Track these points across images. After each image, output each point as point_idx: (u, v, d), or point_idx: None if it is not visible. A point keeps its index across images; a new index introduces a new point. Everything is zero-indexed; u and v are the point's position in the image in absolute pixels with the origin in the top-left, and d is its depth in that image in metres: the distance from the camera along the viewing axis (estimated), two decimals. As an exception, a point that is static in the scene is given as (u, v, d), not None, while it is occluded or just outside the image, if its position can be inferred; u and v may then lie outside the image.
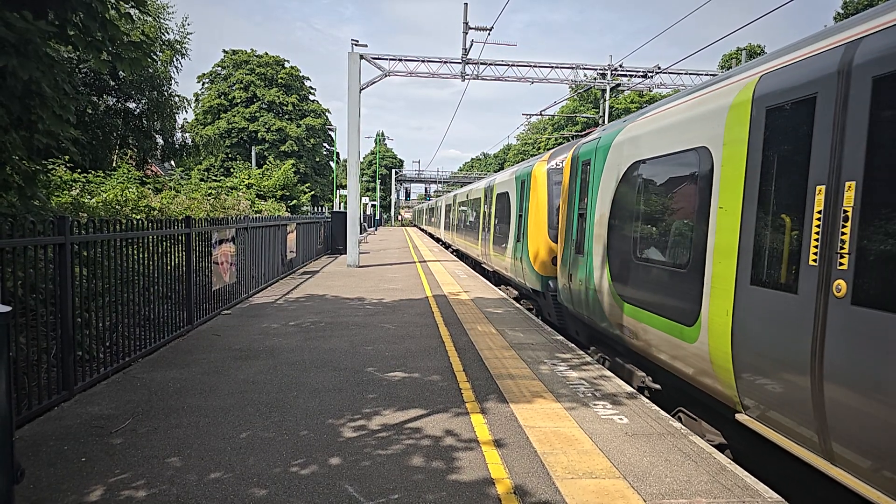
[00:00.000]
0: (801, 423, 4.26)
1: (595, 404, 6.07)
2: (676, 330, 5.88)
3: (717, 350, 5.20)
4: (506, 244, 15.39)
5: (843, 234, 3.88)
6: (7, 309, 2.99)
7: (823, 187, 4.10)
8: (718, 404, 5.51)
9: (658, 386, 6.91)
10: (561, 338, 9.32)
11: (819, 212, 4.11)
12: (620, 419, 5.64)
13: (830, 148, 4.06)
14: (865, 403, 3.66)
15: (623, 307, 7.24)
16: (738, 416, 5.12)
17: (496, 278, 18.13)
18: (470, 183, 43.02)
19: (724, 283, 5.13)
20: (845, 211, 3.87)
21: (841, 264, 3.89)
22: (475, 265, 22.92)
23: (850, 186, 3.85)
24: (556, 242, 11.31)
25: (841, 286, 3.86)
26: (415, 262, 22.71)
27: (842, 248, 3.88)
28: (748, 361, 4.81)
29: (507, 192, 15.88)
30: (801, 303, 4.20)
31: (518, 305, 12.51)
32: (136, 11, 6.67)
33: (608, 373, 7.32)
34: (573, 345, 8.87)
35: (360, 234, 26.83)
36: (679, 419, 6.36)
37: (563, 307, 10.43)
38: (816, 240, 4.11)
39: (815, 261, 4.11)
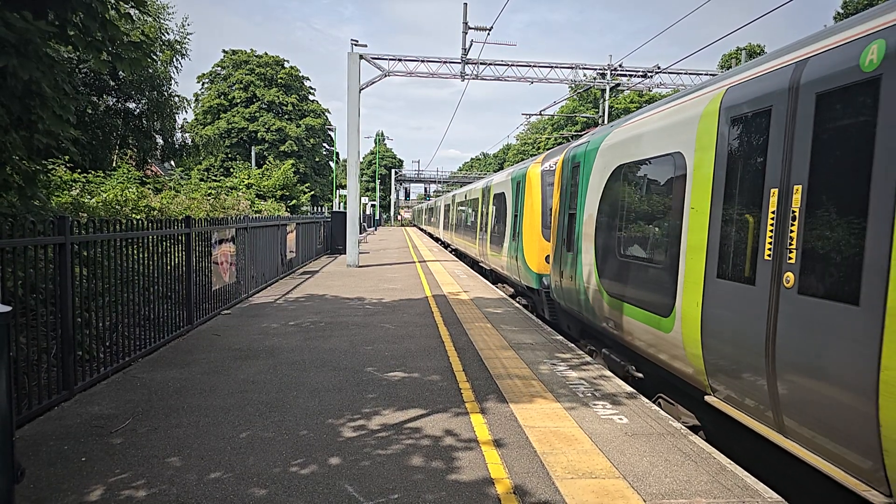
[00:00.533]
0: (759, 402, 4.77)
1: (595, 404, 6.08)
2: (654, 321, 6.38)
3: (689, 338, 5.67)
4: (502, 243, 15.88)
5: (792, 231, 4.40)
6: (7, 309, 3.00)
7: (776, 190, 4.62)
8: (691, 388, 5.98)
9: (641, 375, 7.30)
10: (560, 337, 9.33)
11: (773, 212, 4.63)
12: (620, 419, 5.64)
13: (782, 155, 4.58)
14: (809, 381, 4.17)
15: (609, 301, 7.72)
16: (707, 398, 5.61)
17: (493, 277, 18.56)
18: (469, 183, 43.28)
19: (694, 277, 5.65)
20: (793, 211, 4.40)
21: (790, 258, 4.40)
22: (473, 264, 23.33)
23: (797, 189, 4.40)
24: (549, 241, 11.67)
25: (790, 278, 4.37)
26: (414, 262, 22.72)
27: (790, 244, 4.40)
28: (715, 347, 5.31)
29: (504, 193, 16.40)
30: (758, 293, 4.71)
31: (518, 305, 12.52)
32: (136, 12, 6.67)
33: (608, 373, 7.33)
34: (573, 345, 8.88)
35: (360, 233, 26.83)
36: (659, 404, 6.78)
37: (556, 303, 10.82)
38: (770, 237, 4.62)
39: (769, 256, 4.61)
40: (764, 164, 4.79)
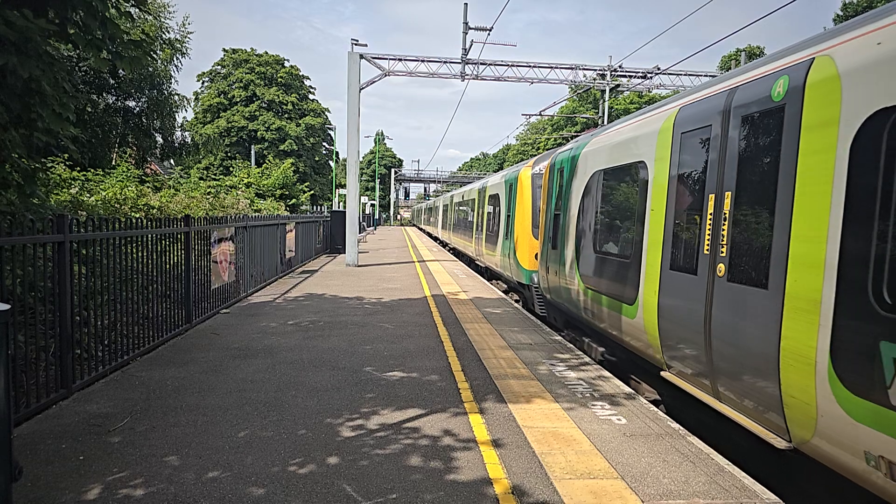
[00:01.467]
0: (700, 374, 5.65)
1: (593, 405, 6.08)
2: (623, 309, 7.25)
3: (649, 322, 6.55)
4: (496, 242, 16.81)
5: (723, 230, 5.30)
6: (6, 307, 2.99)
7: (713, 195, 5.51)
8: (651, 366, 6.86)
9: (614, 358, 8.16)
10: (559, 338, 9.33)
11: (710, 214, 5.53)
12: (619, 420, 5.65)
13: (718, 166, 5.49)
14: (734, 352, 5.05)
15: (587, 293, 8.63)
16: (662, 373, 6.50)
17: (489, 274, 19.34)
18: (469, 183, 43.76)
19: (653, 269, 6.54)
20: (725, 213, 5.30)
21: (722, 252, 5.31)
22: (470, 262, 23.97)
23: (727, 195, 5.30)
24: (538, 240, 12.29)
25: (721, 268, 5.29)
26: (414, 262, 22.72)
27: (722, 240, 5.31)
28: (668, 329, 6.21)
29: (498, 194, 17.32)
30: (699, 282, 5.63)
31: (516, 305, 12.53)
32: (137, 10, 6.67)
33: (606, 373, 7.34)
34: (571, 345, 8.89)
35: (359, 233, 26.82)
36: (628, 384, 7.52)
37: (544, 297, 11.70)
38: (709, 235, 5.54)
39: (707, 250, 5.54)
40: (705, 173, 5.72)
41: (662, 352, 6.36)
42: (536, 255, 12.52)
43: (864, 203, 3.79)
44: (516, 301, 14.64)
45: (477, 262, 21.68)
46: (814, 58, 4.49)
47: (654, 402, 6.71)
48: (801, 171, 4.40)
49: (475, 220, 21.96)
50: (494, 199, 17.90)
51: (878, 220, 3.65)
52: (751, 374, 4.81)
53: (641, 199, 6.98)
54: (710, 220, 5.52)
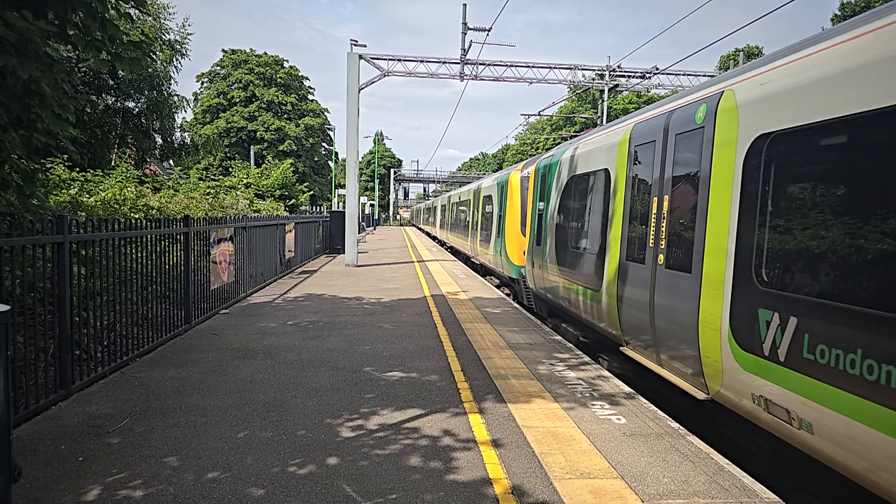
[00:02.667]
0: (648, 346, 6.77)
1: (593, 404, 6.08)
2: (591, 295, 8.36)
3: (611, 306, 7.67)
4: (489, 240, 18.15)
5: (662, 227, 6.47)
6: (6, 308, 2.99)
7: (656, 198, 6.66)
8: (614, 344, 7.83)
9: (587, 340, 9.14)
10: (559, 338, 9.34)
11: (654, 214, 6.67)
12: (618, 419, 5.65)
13: (660, 174, 6.66)
14: (669, 325, 6.16)
15: (564, 283, 9.78)
16: (621, 349, 7.52)
17: (483, 270, 20.63)
18: (468, 183, 44.44)
19: (614, 261, 7.66)
20: (663, 213, 6.45)
21: (661, 245, 6.45)
22: (466, 260, 25.07)
23: (665, 199, 6.46)
24: (526, 238, 13.40)
25: (661, 258, 6.44)
26: (413, 262, 22.72)
27: (662, 235, 6.45)
28: (625, 310, 7.29)
29: (491, 196, 18.58)
30: (645, 269, 6.77)
31: (516, 305, 12.54)
32: (136, 11, 6.67)
33: (606, 373, 7.35)
34: (571, 345, 8.90)
35: (359, 233, 26.82)
36: (599, 362, 8.44)
37: (530, 289, 12.82)
38: (653, 230, 6.67)
39: (652, 243, 6.69)
40: (650, 179, 6.90)
41: (621, 330, 7.48)
42: (525, 251, 13.44)
43: (749, 205, 4.95)
44: (507, 295, 15.66)
45: (472, 260, 22.87)
46: (723, 91, 5.62)
47: (619, 376, 7.59)
48: (713, 180, 5.56)
49: (470, 220, 23.24)
50: (488, 199, 19.13)
51: (758, 218, 4.85)
52: (681, 342, 5.94)
53: (605, 201, 8.15)
54: (653, 218, 6.68)
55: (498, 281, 17.95)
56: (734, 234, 5.09)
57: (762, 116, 4.93)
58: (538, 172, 12.21)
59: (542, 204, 11.63)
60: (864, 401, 3.68)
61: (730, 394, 5.18)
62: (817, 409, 4.10)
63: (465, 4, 21.05)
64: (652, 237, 6.67)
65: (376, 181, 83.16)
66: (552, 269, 10.52)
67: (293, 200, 28.49)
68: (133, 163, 19.02)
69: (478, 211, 21.21)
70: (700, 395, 5.66)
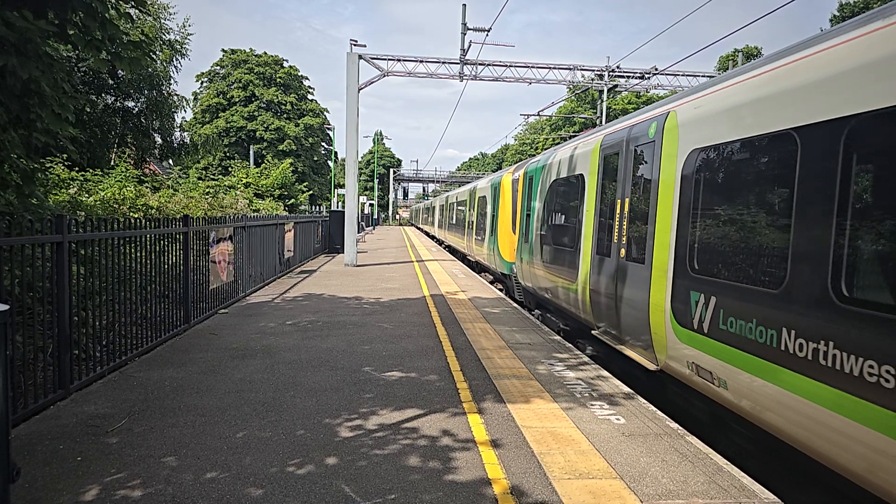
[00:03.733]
0: (613, 326, 7.76)
1: (592, 404, 6.08)
2: (570, 287, 9.47)
3: (584, 295, 8.73)
4: (484, 238, 19.24)
5: (624, 225, 7.54)
6: (5, 307, 2.99)
7: (619, 200, 7.73)
8: (588, 328, 8.83)
9: (568, 328, 10.23)
10: (558, 338, 9.34)
11: (618, 214, 7.73)
12: (617, 419, 5.65)
13: (622, 180, 7.73)
14: (630, 310, 7.15)
15: (547, 277, 10.91)
16: (593, 332, 8.50)
17: (478, 267, 21.73)
18: (467, 182, 45.03)
19: (586, 255, 8.75)
20: (625, 213, 7.55)
21: (623, 241, 7.50)
22: (463, 258, 26.06)
23: (626, 201, 7.54)
24: (516, 236, 14.47)
25: (623, 252, 7.50)
26: (412, 262, 22.72)
27: (623, 232, 7.52)
28: (595, 298, 8.32)
29: (485, 197, 19.70)
30: (611, 261, 7.82)
31: (515, 305, 12.54)
32: (136, 11, 6.66)
33: (605, 373, 7.35)
34: (570, 345, 8.90)
35: (358, 233, 26.81)
36: (577, 345, 9.29)
37: (520, 284, 13.92)
38: (617, 229, 7.74)
39: (616, 240, 7.72)
40: (615, 184, 7.96)
41: (592, 315, 8.51)
42: (515, 248, 14.47)
43: (685, 206, 6.06)
44: (500, 290, 16.75)
45: (468, 258, 24.21)
46: (669, 111, 6.70)
47: (593, 358, 8.51)
48: (660, 185, 6.62)
49: (466, 219, 24.51)
50: (482, 200, 20.28)
51: (689, 217, 5.95)
52: (637, 322, 6.95)
53: (580, 203, 9.27)
54: (618, 218, 7.73)
55: (492, 277, 19.24)
56: (674, 230, 6.19)
57: (694, 134, 6.07)
58: (526, 176, 13.51)
59: (529, 204, 12.91)
60: (758, 359, 4.70)
61: (673, 363, 6.21)
62: (729, 368, 5.11)
63: (464, 5, 21.06)
64: (616, 234, 7.76)
65: (375, 181, 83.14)
66: (538, 264, 11.64)
67: (292, 200, 28.51)
68: (132, 162, 19.02)
69: (473, 211, 22.42)
70: (651, 367, 6.69)
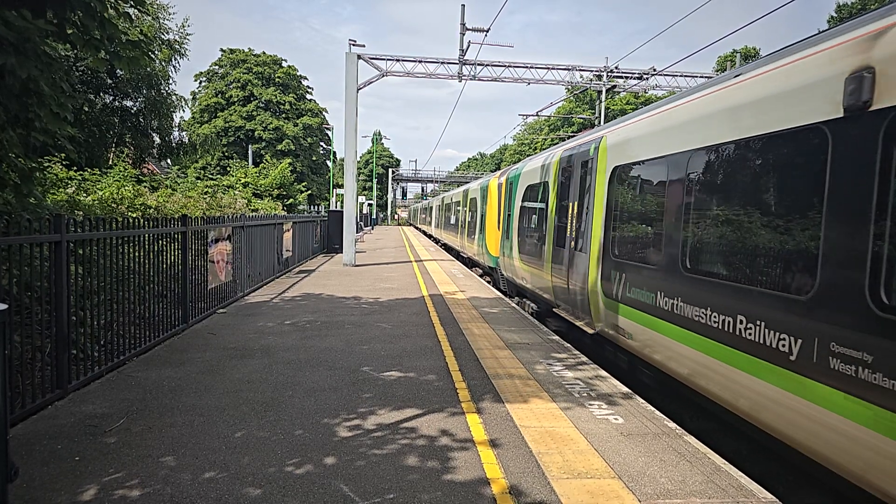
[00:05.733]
0: (568, 303, 9.70)
1: (590, 404, 6.09)
2: (537, 273, 11.59)
3: (547, 279, 10.79)
4: (474, 235, 21.35)
5: (574, 223, 9.45)
6: (3, 307, 2.99)
7: (571, 203, 9.72)
8: (552, 307, 10.76)
9: (539, 309, 12.12)
10: (557, 338, 9.35)
11: (570, 214, 9.69)
12: (616, 419, 5.66)
13: (573, 188, 9.68)
14: (578, 288, 9.01)
15: (523, 267, 12.98)
16: (554, 310, 10.58)
17: (470, 263, 23.77)
18: (465, 182, 45.73)
19: (549, 247, 10.83)
20: (574, 214, 9.42)
21: (573, 235, 9.42)
22: (457, 255, 27.85)
23: (575, 204, 9.47)
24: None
25: (573, 244, 9.35)
26: (411, 262, 22.71)
27: (573, 228, 9.43)
28: (555, 281, 10.30)
29: (476, 198, 21.63)
30: (566, 252, 9.75)
31: (514, 305, 12.55)
32: (135, 11, 6.65)
33: (604, 373, 7.36)
34: (569, 345, 8.91)
35: (357, 233, 26.80)
36: (544, 324, 10.93)
37: (503, 275, 15.96)
38: (570, 226, 9.67)
39: (569, 234, 9.68)
40: (569, 191, 9.99)
41: (554, 295, 10.49)
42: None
43: (608, 209, 8.13)
44: (488, 282, 18.46)
45: (461, 254, 26.46)
46: (603, 135, 8.74)
47: (558, 333, 10.07)
48: (595, 193, 8.62)
49: (459, 219, 26.90)
50: (473, 202, 22.31)
51: (612, 217, 8.02)
52: (582, 298, 8.88)
53: (545, 205, 11.38)
54: (570, 217, 9.73)
55: (481, 271, 21.39)
56: (603, 226, 8.24)
57: (614, 155, 8.14)
58: (508, 180, 15.66)
59: (509, 206, 15.08)
60: (645, 315, 6.74)
61: (603, 327, 8.15)
62: (633, 325, 7.08)
63: (463, 5, 21.06)
64: (568, 230, 9.76)
65: (374, 181, 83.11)
66: (515, 257, 13.78)
67: (291, 200, 28.46)
68: (131, 162, 18.99)
69: (465, 211, 24.57)
70: (590, 331, 8.68)
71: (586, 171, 9.08)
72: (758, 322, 4.77)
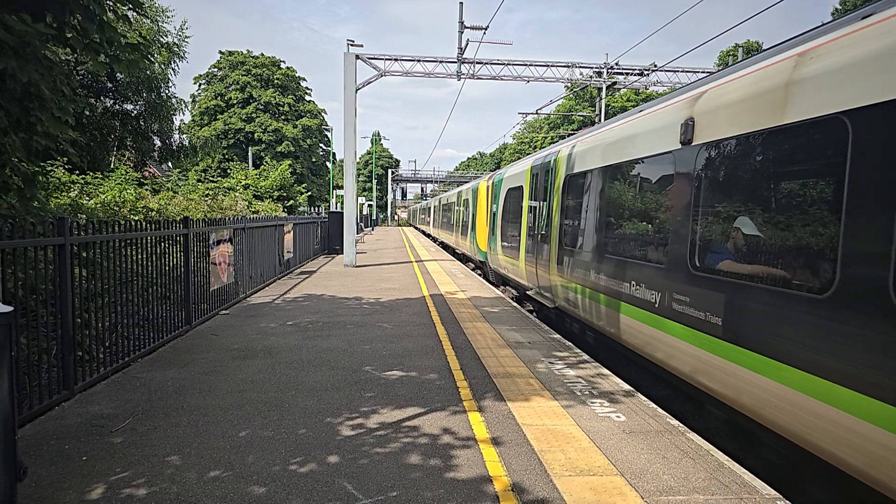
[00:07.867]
0: (535, 285, 11.95)
1: (592, 402, 6.12)
2: (515, 263, 13.76)
3: (522, 267, 13.07)
4: (467, 233, 23.75)
5: (542, 218, 11.61)
6: (9, 309, 3.02)
7: (539, 203, 12.00)
8: (526, 290, 12.91)
9: (518, 294, 14.25)
10: (558, 336, 9.38)
11: (538, 211, 11.92)
12: (618, 417, 5.68)
13: (541, 190, 11.92)
14: (541, 270, 11.43)
15: (504, 258, 15.41)
16: (528, 293, 12.78)
17: (464, 258, 26.00)
18: (465, 182, 46.50)
19: (524, 240, 12.99)
20: (542, 212, 11.58)
21: (540, 228, 11.70)
22: (453, 252, 30.36)
23: (544, 204, 11.64)
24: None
25: (540, 236, 11.66)
26: (411, 262, 22.74)
27: (541, 222, 11.62)
28: (527, 267, 12.55)
29: (468, 199, 23.86)
30: (535, 242, 12.01)
31: (515, 304, 12.58)
32: (134, 13, 6.68)
33: (605, 371, 7.38)
34: (570, 343, 8.93)
35: (357, 233, 26.83)
36: (521, 304, 13.46)
37: (490, 267, 18.19)
38: (538, 220, 11.96)
39: (537, 227, 11.91)
40: (538, 193, 12.05)
41: (526, 279, 12.82)
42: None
43: (563, 207, 10.22)
44: (479, 274, 20.39)
45: (456, 250, 29.12)
46: (559, 149, 10.97)
47: (531, 311, 12.29)
48: (554, 195, 10.73)
49: (454, 218, 29.51)
50: (466, 202, 24.63)
51: (563, 213, 10.25)
52: (545, 279, 10.99)
53: (521, 204, 13.60)
54: (540, 214, 11.70)
55: (473, 264, 23.59)
56: (558, 222, 10.41)
57: (564, 166, 10.30)
58: (493, 184, 17.87)
59: (494, 205, 17.30)
60: (581, 286, 8.97)
61: (559, 300, 10.35)
62: (578, 297, 9.14)
63: (461, 3, 21.09)
64: (537, 224, 11.93)
65: (374, 181, 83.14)
66: (499, 250, 16.20)
67: (291, 201, 28.53)
68: (132, 165, 19.02)
69: (460, 210, 27.06)
70: (551, 305, 10.92)
71: (549, 177, 11.26)
72: (628, 281, 7.36)
